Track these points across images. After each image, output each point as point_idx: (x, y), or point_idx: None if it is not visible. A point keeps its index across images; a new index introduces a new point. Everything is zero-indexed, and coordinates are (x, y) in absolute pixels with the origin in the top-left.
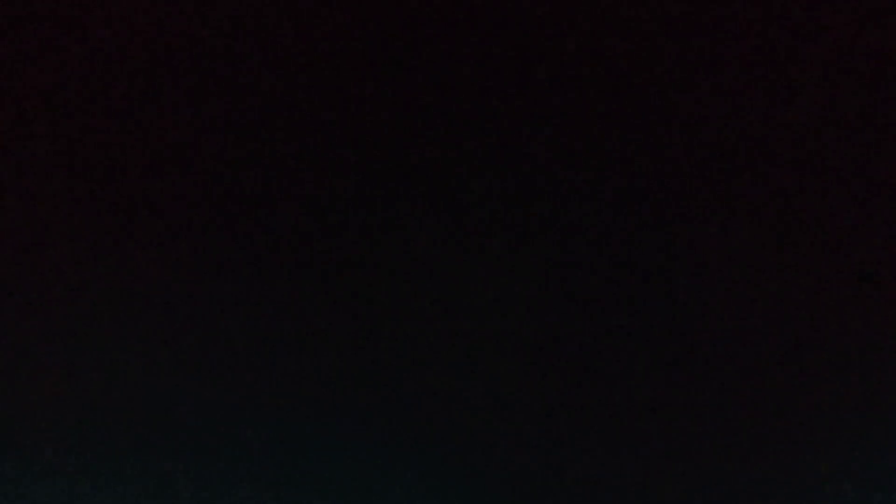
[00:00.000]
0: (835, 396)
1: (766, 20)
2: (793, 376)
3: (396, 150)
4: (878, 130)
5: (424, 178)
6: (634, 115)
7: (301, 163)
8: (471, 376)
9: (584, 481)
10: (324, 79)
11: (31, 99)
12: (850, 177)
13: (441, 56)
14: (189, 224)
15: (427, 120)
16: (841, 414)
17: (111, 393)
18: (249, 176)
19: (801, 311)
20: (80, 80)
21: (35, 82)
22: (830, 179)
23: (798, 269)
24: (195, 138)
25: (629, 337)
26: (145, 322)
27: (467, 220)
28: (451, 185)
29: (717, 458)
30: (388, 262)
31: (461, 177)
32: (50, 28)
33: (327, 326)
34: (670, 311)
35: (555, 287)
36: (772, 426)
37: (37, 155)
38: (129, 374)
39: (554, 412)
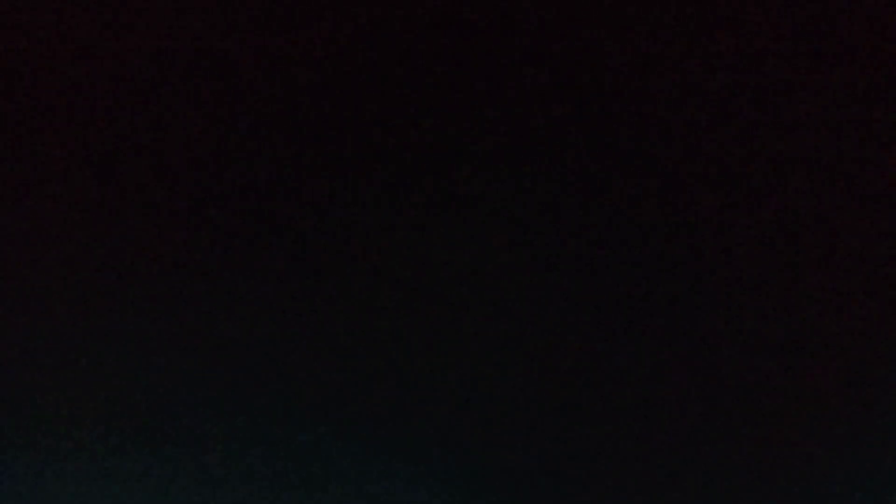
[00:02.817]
0: (835, 397)
1: (769, 21)
2: (797, 377)
3: (400, 152)
4: (879, 131)
5: (430, 180)
6: (637, 115)
7: (304, 163)
8: (472, 377)
9: (590, 482)
10: (325, 79)
11: (32, 99)
12: (851, 177)
13: (444, 57)
14: (194, 223)
15: (432, 121)
16: (843, 415)
17: (112, 391)
18: (252, 175)
19: (804, 311)
20: (80, 80)
21: (35, 82)
22: (831, 179)
23: (800, 268)
24: (195, 138)
25: (632, 337)
26: (146, 321)
27: (469, 220)
28: (456, 186)
29: (721, 459)
30: (391, 262)
31: (465, 178)
32: (50, 28)
33: (330, 327)
34: (674, 312)
35: (558, 288)
36: (778, 427)
37: (39, 154)
38: (129, 373)
39: (559, 413)
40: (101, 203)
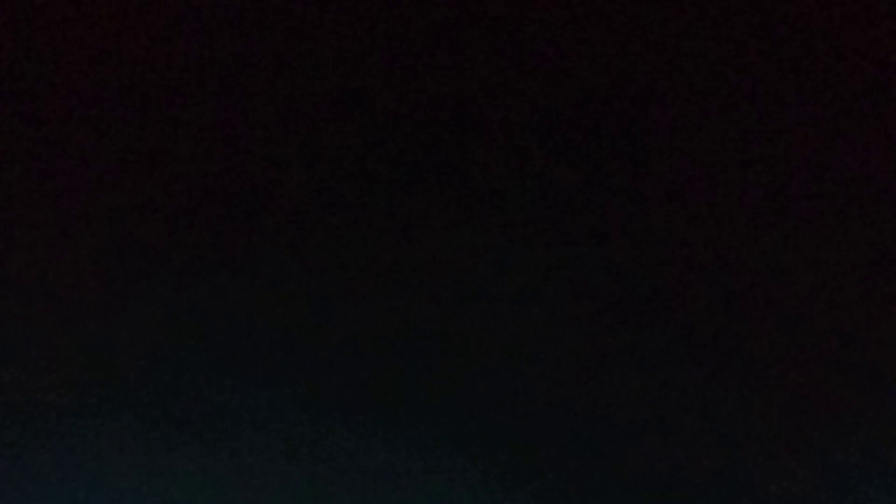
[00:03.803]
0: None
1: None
2: (807, 377)
3: (409, 153)
4: (879, 131)
5: (443, 178)
6: (645, 116)
7: (314, 162)
8: (484, 375)
9: (604, 481)
10: (328, 80)
11: (34, 99)
12: (852, 177)
13: (450, 58)
14: (203, 218)
15: (444, 121)
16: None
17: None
18: (258, 174)
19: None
20: (81, 79)
21: (36, 82)
22: (832, 179)
23: (802, 268)
24: (199, 137)
25: (639, 334)
26: (156, 318)
27: (482, 217)
28: (470, 183)
29: (732, 458)
30: (408, 261)
31: (476, 176)
32: (50, 30)
33: (357, 323)
34: (681, 308)
35: (572, 286)
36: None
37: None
38: (141, 372)
39: (570, 411)
40: (112, 197)
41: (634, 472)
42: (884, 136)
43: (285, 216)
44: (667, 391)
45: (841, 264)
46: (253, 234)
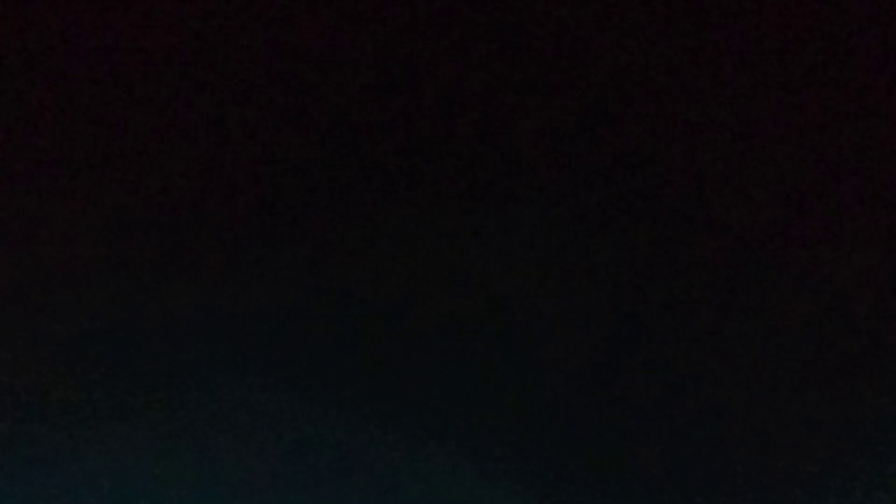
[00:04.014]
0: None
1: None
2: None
3: (410, 152)
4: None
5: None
6: (650, 117)
7: (317, 160)
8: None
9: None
10: (334, 79)
11: (35, 98)
12: (853, 176)
13: (457, 57)
14: (206, 217)
15: (458, 122)
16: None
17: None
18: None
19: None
20: (82, 80)
21: (37, 82)
22: (835, 179)
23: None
24: (200, 137)
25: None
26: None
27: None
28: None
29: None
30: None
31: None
32: (50, 28)
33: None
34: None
35: (571, 286)
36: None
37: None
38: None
39: (570, 410)
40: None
41: (635, 472)
42: (885, 136)
43: (288, 215)
44: (667, 392)
45: (843, 264)
46: (256, 233)
